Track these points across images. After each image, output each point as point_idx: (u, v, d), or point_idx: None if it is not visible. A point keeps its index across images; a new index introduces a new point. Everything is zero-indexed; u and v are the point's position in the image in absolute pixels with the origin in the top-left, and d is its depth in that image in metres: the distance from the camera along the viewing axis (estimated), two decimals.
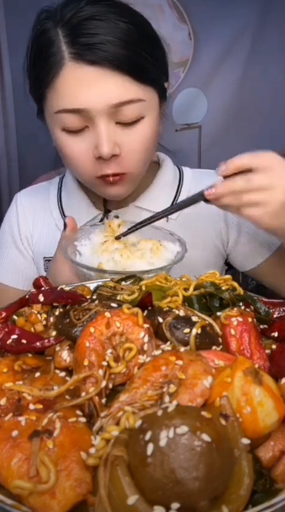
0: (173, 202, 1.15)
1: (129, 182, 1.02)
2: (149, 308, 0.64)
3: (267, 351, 0.60)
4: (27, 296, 0.71)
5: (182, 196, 1.16)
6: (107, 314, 0.58)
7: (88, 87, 0.90)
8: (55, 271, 0.98)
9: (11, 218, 1.25)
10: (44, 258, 1.19)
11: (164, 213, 0.95)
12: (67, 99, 0.91)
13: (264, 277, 1.20)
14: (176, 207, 0.96)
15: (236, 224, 1.15)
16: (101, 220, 1.13)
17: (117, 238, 0.96)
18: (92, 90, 0.89)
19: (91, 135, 0.94)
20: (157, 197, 1.15)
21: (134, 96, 0.92)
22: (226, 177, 0.84)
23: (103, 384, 0.52)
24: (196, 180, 1.19)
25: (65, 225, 1.00)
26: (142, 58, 0.92)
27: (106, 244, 0.93)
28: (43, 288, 0.74)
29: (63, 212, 1.19)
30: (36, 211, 1.23)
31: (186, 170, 1.22)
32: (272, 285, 1.20)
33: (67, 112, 0.92)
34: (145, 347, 0.57)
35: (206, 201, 0.86)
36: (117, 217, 1.10)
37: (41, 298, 0.68)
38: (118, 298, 0.69)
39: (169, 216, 1.12)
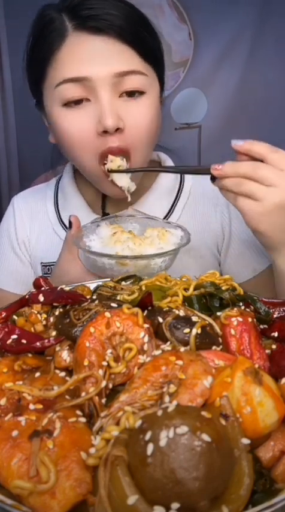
0: (172, 205, 1.14)
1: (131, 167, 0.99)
2: (149, 308, 0.64)
3: (267, 351, 0.59)
4: (27, 296, 0.71)
5: (182, 200, 1.15)
6: (107, 314, 0.58)
7: (91, 55, 0.90)
8: (62, 272, 0.96)
9: (9, 222, 1.23)
10: (41, 263, 1.18)
11: (167, 169, 0.93)
12: (70, 68, 0.90)
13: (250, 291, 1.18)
14: (180, 169, 0.93)
15: (227, 239, 1.14)
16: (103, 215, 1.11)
17: (111, 171, 0.95)
18: (95, 59, 0.89)
19: (93, 108, 0.92)
20: (157, 201, 1.13)
21: (136, 67, 0.92)
22: None
23: (103, 383, 0.52)
24: (196, 183, 1.18)
25: (70, 224, 0.98)
26: (144, 36, 0.93)
27: (116, 236, 0.93)
28: (43, 288, 0.74)
29: (60, 216, 1.18)
30: (33, 215, 1.21)
31: None
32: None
33: (69, 82, 0.91)
34: (145, 347, 0.57)
35: (212, 178, 0.84)
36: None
37: (41, 298, 0.68)
38: (118, 298, 0.69)
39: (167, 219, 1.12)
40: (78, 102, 0.92)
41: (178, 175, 1.19)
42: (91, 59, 0.90)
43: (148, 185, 1.14)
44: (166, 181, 1.16)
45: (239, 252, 1.13)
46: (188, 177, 1.19)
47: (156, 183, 1.15)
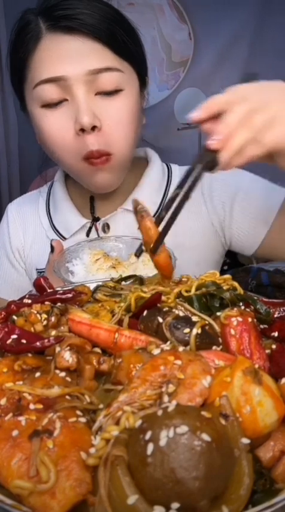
0: (161, 202, 1.11)
1: (115, 167, 0.98)
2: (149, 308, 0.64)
3: (267, 351, 0.59)
4: (27, 295, 0.72)
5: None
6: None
7: (64, 55, 0.90)
8: None
9: (3, 230, 1.24)
10: (36, 269, 1.18)
11: (185, 192, 0.77)
12: (45, 69, 0.91)
13: (272, 254, 1.13)
14: (193, 180, 0.75)
15: (228, 210, 1.09)
16: (89, 229, 1.11)
17: (137, 255, 0.80)
18: (69, 58, 0.90)
19: (70, 108, 0.92)
20: (146, 198, 1.10)
21: (111, 64, 0.91)
22: None
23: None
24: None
25: (52, 248, 0.98)
26: (119, 33, 0.93)
27: (99, 262, 0.92)
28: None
29: (52, 222, 1.17)
30: (26, 222, 1.22)
31: (174, 167, 1.19)
32: (282, 257, 1.13)
33: (45, 83, 0.91)
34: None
35: (212, 165, 0.70)
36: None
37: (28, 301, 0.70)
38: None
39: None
40: (56, 103, 0.93)
41: (165, 169, 1.17)
42: (65, 58, 0.90)
43: (135, 182, 1.12)
44: (154, 177, 1.13)
45: (245, 214, 1.09)
46: (175, 172, 1.17)
47: (143, 180, 1.13)
